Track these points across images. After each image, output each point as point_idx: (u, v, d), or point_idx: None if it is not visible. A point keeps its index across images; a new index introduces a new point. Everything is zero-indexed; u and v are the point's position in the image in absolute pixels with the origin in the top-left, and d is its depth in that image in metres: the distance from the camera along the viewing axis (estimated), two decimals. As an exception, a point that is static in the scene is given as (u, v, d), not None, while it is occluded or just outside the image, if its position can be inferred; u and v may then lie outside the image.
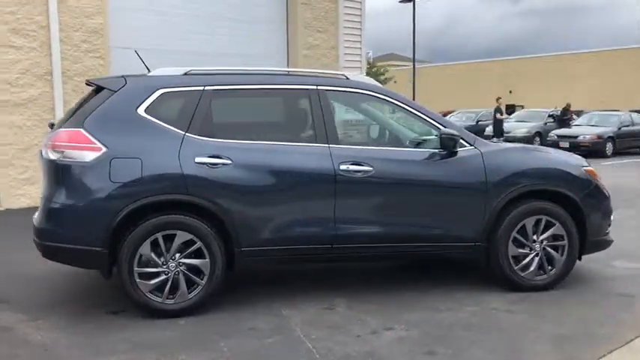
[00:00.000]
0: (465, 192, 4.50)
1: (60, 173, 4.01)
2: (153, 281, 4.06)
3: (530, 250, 4.63)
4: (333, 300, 4.47)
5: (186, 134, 4.15)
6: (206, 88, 4.29)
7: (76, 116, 4.13)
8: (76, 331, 3.92)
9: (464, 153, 4.54)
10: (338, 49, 11.68)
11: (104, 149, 4.00)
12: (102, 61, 9.02)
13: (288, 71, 4.63)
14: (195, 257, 4.11)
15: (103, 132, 4.05)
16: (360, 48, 12.07)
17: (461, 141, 4.54)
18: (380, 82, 28.50)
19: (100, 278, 4.38)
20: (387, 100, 4.58)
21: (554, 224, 4.64)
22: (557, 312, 4.24)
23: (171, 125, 4.16)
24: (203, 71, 4.45)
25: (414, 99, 31.63)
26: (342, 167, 4.28)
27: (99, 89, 4.27)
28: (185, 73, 4.38)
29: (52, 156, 4.02)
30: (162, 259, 4.06)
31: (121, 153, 4.02)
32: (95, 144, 4.00)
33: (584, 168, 4.81)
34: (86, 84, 4.33)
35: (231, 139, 4.22)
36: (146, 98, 4.18)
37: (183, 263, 4.10)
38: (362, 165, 4.32)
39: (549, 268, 4.68)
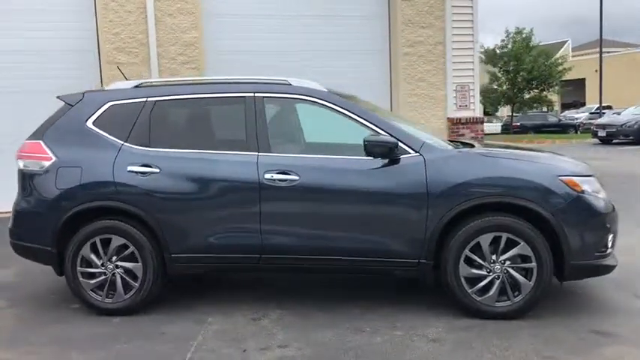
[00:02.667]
0: (402, 204, 4.09)
1: (22, 180, 4.54)
2: (93, 281, 4.39)
3: (489, 271, 4.03)
4: (268, 310, 4.39)
5: (124, 144, 4.41)
6: (148, 99, 4.51)
7: (39, 129, 4.63)
8: (31, 319, 4.41)
9: (407, 161, 4.12)
10: (445, 45, 11.07)
11: (54, 159, 4.43)
12: (197, 72, 9.74)
13: (230, 79, 4.61)
14: (130, 261, 4.35)
15: (57, 143, 4.49)
16: (472, 42, 11.28)
17: (404, 147, 4.13)
18: (556, 74, 25.91)
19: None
20: (327, 106, 4.33)
21: (519, 243, 3.98)
22: (496, 346, 3.64)
23: (113, 136, 4.45)
24: (152, 83, 4.67)
25: (600, 91, 28.46)
26: (267, 176, 4.18)
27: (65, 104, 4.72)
28: (135, 86, 4.65)
29: (19, 164, 4.57)
30: (101, 261, 4.37)
31: (67, 162, 4.42)
32: (48, 154, 4.46)
33: (562, 178, 4.03)
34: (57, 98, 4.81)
35: (163, 149, 4.37)
36: (95, 111, 4.53)
37: (120, 266, 4.36)
38: (288, 174, 4.17)
39: (515, 293, 4.03)
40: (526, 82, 29.40)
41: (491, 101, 33.74)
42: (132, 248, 4.34)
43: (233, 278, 5.25)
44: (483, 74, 32.68)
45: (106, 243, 4.37)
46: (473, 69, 11.33)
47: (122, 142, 4.42)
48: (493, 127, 34.31)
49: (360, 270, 4.28)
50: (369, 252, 4.15)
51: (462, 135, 11.28)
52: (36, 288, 5.07)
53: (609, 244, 4.12)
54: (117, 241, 4.35)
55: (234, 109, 4.41)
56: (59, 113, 4.62)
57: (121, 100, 4.56)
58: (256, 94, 4.39)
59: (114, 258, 4.37)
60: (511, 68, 28.92)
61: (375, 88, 10.93)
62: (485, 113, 40.30)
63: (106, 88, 4.72)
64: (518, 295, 4.04)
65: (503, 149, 4.65)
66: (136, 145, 4.41)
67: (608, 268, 4.17)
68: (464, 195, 4.02)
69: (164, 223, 4.29)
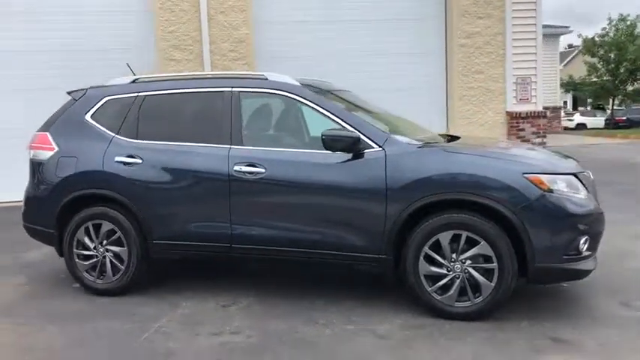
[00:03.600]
0: (363, 198, 4.08)
1: (31, 168, 4.99)
2: (87, 262, 4.76)
3: (449, 270, 3.94)
4: (240, 298, 4.54)
5: (115, 136, 4.73)
6: (139, 94, 4.80)
7: (48, 121, 5.06)
8: (36, 294, 4.86)
9: (370, 155, 4.10)
10: (505, 36, 10.64)
11: (56, 149, 4.84)
12: (247, 67, 10.06)
13: (213, 75, 4.77)
14: (117, 245, 4.67)
15: (60, 135, 4.90)
16: (535, 32, 10.75)
17: (368, 142, 4.12)
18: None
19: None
20: (298, 100, 4.40)
21: (479, 242, 3.85)
22: (439, 347, 3.57)
23: (106, 128, 4.78)
24: (147, 79, 4.95)
25: None
26: (236, 168, 4.33)
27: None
28: (132, 81, 4.95)
29: (30, 154, 5.03)
30: (93, 244, 4.73)
31: (66, 152, 4.81)
32: (52, 145, 4.87)
33: (527, 175, 3.84)
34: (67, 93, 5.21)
35: (147, 141, 4.64)
36: (94, 105, 4.89)
37: (109, 250, 4.70)
38: (255, 166, 4.29)
39: (476, 294, 3.91)
40: (629, 72, 27.31)
41: (588, 94, 31.74)
42: (119, 233, 4.65)
43: (220, 266, 5.42)
44: (581, 65, 30.79)
45: (97, 228, 4.71)
46: (535, 60, 10.83)
47: (113, 135, 4.73)
48: (596, 121, 32.27)
49: (324, 263, 4.30)
50: (332, 245, 4.18)
51: (522, 130, 10.82)
52: (53, 268, 5.53)
53: (582, 248, 3.87)
54: (106, 226, 4.67)
55: (213, 103, 4.57)
56: (65, 107, 5.02)
57: (117, 94, 4.88)
58: (234, 89, 4.54)
59: (104, 242, 4.70)
60: (612, 58, 26.97)
61: (430, 82, 10.77)
62: (597, 107, 37.92)
63: (106, 84, 5.05)
64: (478, 296, 3.91)
65: (472, 145, 4.47)
66: (125, 137, 4.70)
67: (580, 273, 3.92)
68: (422, 191, 3.94)
69: (145, 210, 4.56)
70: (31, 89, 9.31)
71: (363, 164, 4.09)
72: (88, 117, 4.86)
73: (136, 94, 4.80)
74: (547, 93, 21.35)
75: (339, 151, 4.08)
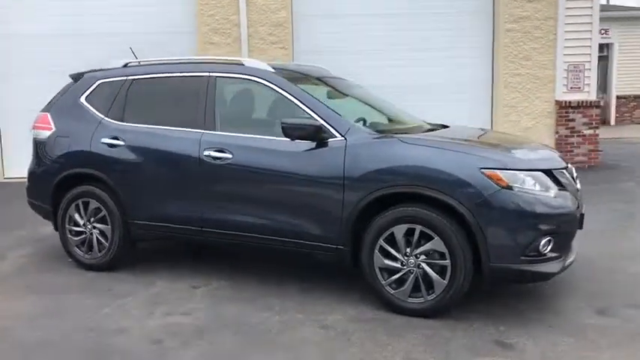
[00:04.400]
0: (322, 188, 4.03)
1: (34, 147, 5.28)
2: (77, 238, 5.01)
3: (403, 264, 3.84)
4: (212, 280, 4.63)
5: (104, 118, 4.91)
6: (128, 78, 4.96)
7: (49, 102, 5.33)
8: (35, 266, 5.15)
9: (333, 144, 4.05)
10: (557, 20, 10.05)
11: (54, 129, 5.10)
12: (285, 51, 10.10)
13: (195, 59, 4.83)
14: (103, 223, 4.89)
15: (58, 115, 5.15)
16: (591, 15, 10.08)
17: (332, 131, 4.06)
18: None
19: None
20: (271, 87, 4.37)
21: (433, 237, 3.72)
22: (375, 342, 3.50)
23: (97, 110, 4.98)
24: (137, 63, 5.09)
25: None
26: (206, 153, 4.39)
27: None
28: (124, 65, 5.11)
29: (32, 133, 5.32)
30: (82, 221, 4.97)
31: (62, 132, 5.06)
32: (50, 125, 5.13)
33: (484, 170, 3.64)
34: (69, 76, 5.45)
35: (130, 123, 4.79)
36: (88, 88, 5.10)
37: (96, 227, 4.92)
38: (224, 152, 4.34)
39: (429, 291, 3.79)
40: None
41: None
42: (104, 212, 4.85)
43: (213, 250, 5.50)
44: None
45: (86, 205, 4.93)
46: (590, 46, 10.15)
47: (102, 117, 4.92)
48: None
49: (290, 251, 4.29)
50: (293, 234, 4.17)
51: (572, 120, 10.24)
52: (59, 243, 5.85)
53: (544, 249, 3.64)
54: (93, 204, 4.89)
55: (192, 88, 4.64)
56: (65, 89, 5.27)
57: (109, 78, 5.06)
58: (211, 74, 4.60)
59: (92, 219, 4.92)
60: None
61: (474, 69, 10.38)
62: None
63: (102, 67, 5.24)
64: (432, 293, 3.78)
65: (436, 136, 4.27)
66: (112, 119, 4.88)
67: (539, 276, 3.70)
68: (377, 182, 3.85)
69: (125, 191, 4.73)
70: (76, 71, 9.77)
71: (325, 153, 4.03)
72: (82, 99, 5.08)
73: (124, 78, 4.96)
74: (628, 80, 19.94)
75: (298, 139, 4.04)
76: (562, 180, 3.91)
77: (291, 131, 4.00)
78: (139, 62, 5.11)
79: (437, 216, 3.69)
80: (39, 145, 5.20)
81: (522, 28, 10.09)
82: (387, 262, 3.87)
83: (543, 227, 3.62)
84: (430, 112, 9.98)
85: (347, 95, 5.12)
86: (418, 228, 3.76)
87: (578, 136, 10.28)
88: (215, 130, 4.46)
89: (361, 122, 4.69)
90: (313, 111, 4.16)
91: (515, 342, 3.45)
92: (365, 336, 3.58)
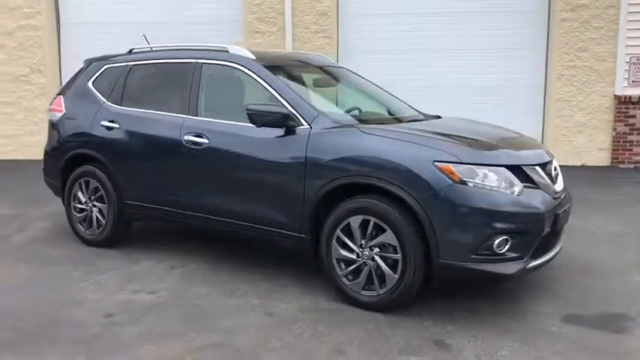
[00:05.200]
0: (286, 175, 4.03)
1: (48, 128, 5.62)
2: (80, 215, 5.30)
3: (358, 256, 3.78)
4: (192, 262, 4.75)
5: (105, 102, 5.15)
6: (129, 63, 5.16)
7: (64, 86, 5.64)
8: (47, 239, 5.48)
9: (300, 132, 4.03)
10: (619, 9, 9.39)
11: (64, 111, 5.40)
12: (329, 40, 10.09)
13: (187, 46, 4.90)
14: (101, 202, 5.14)
15: (70, 98, 5.45)
16: (658, 4, 9.34)
17: (300, 119, 4.04)
18: None
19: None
20: (248, 74, 4.40)
21: (386, 230, 3.64)
22: (312, 333, 3.48)
23: (101, 95, 5.22)
24: (140, 49, 5.28)
25: None
26: (185, 138, 4.50)
27: (87, 67, 5.64)
28: (128, 51, 5.32)
29: (48, 115, 5.66)
30: (84, 199, 5.25)
31: (70, 115, 5.35)
32: (62, 107, 5.44)
33: (438, 163, 3.50)
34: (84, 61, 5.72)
35: (126, 107, 4.99)
36: (95, 73, 5.35)
37: (95, 205, 5.18)
38: (201, 137, 4.43)
39: (382, 285, 3.72)
40: None
41: None
42: (102, 191, 5.09)
43: (203, 233, 5.57)
44: None
45: (87, 184, 5.20)
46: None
47: (104, 100, 5.15)
48: None
49: (261, 238, 4.31)
50: (261, 220, 4.20)
51: (632, 117, 9.57)
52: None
53: (500, 249, 3.46)
54: (93, 183, 5.14)
55: (181, 73, 4.76)
56: (77, 74, 5.55)
57: (115, 63, 5.28)
58: (198, 61, 4.69)
59: (92, 197, 5.18)
60: None
61: (526, 60, 9.93)
62: None
63: (112, 53, 5.47)
64: (384, 287, 3.69)
65: (401, 127, 4.13)
66: (112, 103, 5.10)
67: (493, 276, 3.51)
68: (336, 171, 3.80)
69: (119, 172, 4.94)
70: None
71: (291, 141, 4.02)
72: (90, 83, 5.34)
73: (126, 64, 5.16)
74: None
75: (264, 125, 4.05)
76: (534, 177, 3.69)
77: (256, 117, 4.01)
78: (141, 49, 5.27)
79: (389, 208, 3.59)
80: (52, 126, 5.52)
81: (579, 17, 9.51)
82: (344, 253, 3.82)
83: (498, 225, 3.44)
84: (480, 108, 9.75)
85: (342, 84, 5.07)
86: (372, 220, 3.67)
87: (638, 134, 9.59)
88: (197, 116, 4.55)
89: (356, 111, 4.67)
90: (284, 98, 4.15)
91: (455, 343, 3.31)
92: (306, 326, 3.56)
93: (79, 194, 5.25)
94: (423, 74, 10.05)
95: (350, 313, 3.74)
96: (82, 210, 5.26)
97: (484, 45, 9.91)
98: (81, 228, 5.28)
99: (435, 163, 3.50)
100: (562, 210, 3.83)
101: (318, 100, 4.39)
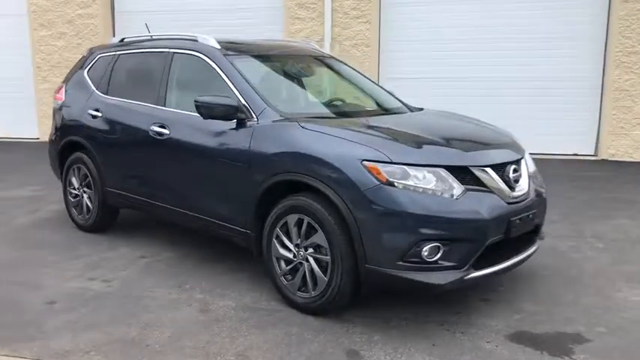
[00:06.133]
0: (232, 169, 3.93)
1: (52, 114, 5.84)
2: (74, 200, 5.48)
3: (294, 256, 3.64)
4: (166, 252, 4.78)
5: (94, 91, 5.26)
6: (116, 53, 5.23)
7: (67, 75, 5.82)
8: (50, 224, 5.72)
9: (250, 125, 3.90)
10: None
11: (63, 99, 5.59)
12: (369, 26, 9.81)
13: (167, 36, 4.85)
14: (89, 188, 5.28)
15: (69, 87, 5.62)
16: None
17: (251, 112, 3.92)
18: None
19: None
20: (209, 64, 4.31)
21: (317, 230, 3.48)
22: (227, 334, 3.39)
23: (92, 83, 5.34)
24: (130, 39, 5.34)
25: None
26: (151, 128, 4.51)
27: (91, 56, 5.78)
28: (120, 40, 5.40)
29: (53, 103, 5.88)
30: (77, 185, 5.42)
31: (67, 103, 5.52)
32: (62, 95, 5.63)
33: (366, 162, 3.27)
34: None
35: (109, 96, 5.07)
36: (90, 62, 5.48)
37: (85, 191, 5.34)
38: (164, 128, 4.43)
39: (315, 287, 3.56)
40: None
41: None
42: (89, 178, 5.22)
43: None
44: None
45: (79, 171, 5.35)
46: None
47: (94, 89, 5.27)
48: None
49: (209, 231, 4.27)
50: (213, 214, 4.14)
51: (700, 108, 8.63)
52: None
53: (431, 256, 3.19)
54: (83, 170, 5.29)
55: (156, 63, 4.75)
56: (78, 63, 5.71)
57: (106, 53, 5.38)
58: (170, 50, 4.67)
59: (82, 183, 5.34)
60: None
61: (582, 45, 9.19)
62: None
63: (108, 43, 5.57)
64: (316, 290, 3.53)
65: (349, 122, 3.89)
66: (100, 91, 5.21)
67: (422, 286, 3.23)
68: (274, 167, 3.66)
69: (102, 160, 5.05)
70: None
71: (239, 134, 3.92)
72: (85, 72, 5.47)
73: (113, 53, 5.24)
74: None
75: (211, 118, 3.95)
76: (484, 179, 3.37)
77: (203, 110, 3.92)
78: (131, 38, 5.33)
79: (320, 208, 3.41)
80: (54, 113, 5.72)
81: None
82: (283, 252, 3.68)
83: (426, 231, 3.17)
84: (534, 99, 9.16)
85: (326, 75, 4.89)
86: (306, 219, 3.51)
87: None
88: (164, 106, 4.54)
89: (338, 102, 4.52)
90: (237, 89, 4.04)
91: (369, 355, 3.10)
92: (231, 324, 3.47)
93: (73, 180, 5.42)
94: (473, 65, 9.55)
95: (283, 314, 3.60)
96: (75, 195, 5.43)
97: (535, 32, 9.23)
98: (75, 213, 5.46)
99: (364, 162, 3.27)
100: (520, 216, 3.48)
101: (290, 92, 4.28)
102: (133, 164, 4.76)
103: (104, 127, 4.99)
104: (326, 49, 9.85)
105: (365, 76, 5.13)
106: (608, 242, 4.99)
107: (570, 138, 9.27)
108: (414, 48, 9.78)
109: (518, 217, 3.46)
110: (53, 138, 5.68)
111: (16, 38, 11.49)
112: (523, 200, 3.57)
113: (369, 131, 3.61)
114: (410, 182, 3.22)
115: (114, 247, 4.94)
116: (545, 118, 9.29)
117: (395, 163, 3.24)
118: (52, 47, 11.33)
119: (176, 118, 4.36)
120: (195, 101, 3.94)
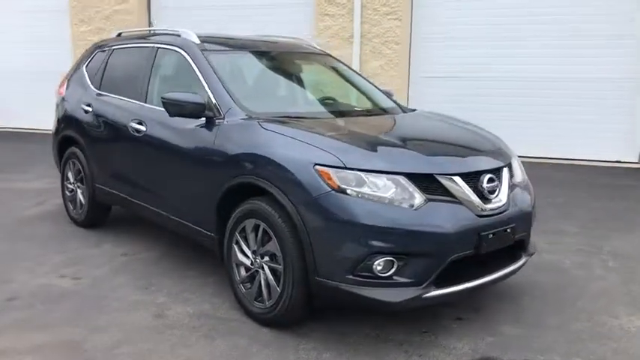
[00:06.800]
0: (197, 170, 3.79)
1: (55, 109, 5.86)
2: (69, 194, 5.48)
3: (252, 263, 3.46)
4: (145, 252, 4.68)
5: (89, 86, 5.23)
6: (110, 47, 5.18)
7: (70, 69, 5.82)
8: (54, 216, 5.75)
9: (217, 124, 3.74)
10: None
11: (64, 94, 5.60)
12: (399, 22, 9.48)
13: (155, 31, 4.73)
14: (82, 183, 5.26)
15: (71, 82, 5.63)
16: None
17: (220, 110, 3.74)
18: None
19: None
20: (186, 60, 4.17)
21: (272, 238, 3.28)
22: (162, 341, 3.24)
23: (88, 78, 5.31)
24: (127, 34, 5.28)
25: None
26: (130, 124, 4.42)
27: (94, 51, 5.77)
28: (117, 35, 5.35)
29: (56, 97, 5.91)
30: (72, 180, 5.41)
31: (66, 97, 5.52)
32: (63, 90, 5.65)
33: (318, 167, 3.04)
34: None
35: (100, 91, 5.03)
36: (89, 57, 5.46)
37: (79, 186, 5.32)
38: (141, 124, 4.33)
39: (270, 297, 3.36)
40: None
41: None
42: (82, 173, 5.20)
43: None
44: None
45: (73, 165, 5.34)
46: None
47: (89, 84, 5.24)
48: None
49: (181, 232, 4.13)
50: (182, 215, 4.01)
51: None
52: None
53: (383, 271, 2.93)
54: (77, 165, 5.27)
55: (143, 58, 4.65)
56: (81, 58, 5.70)
57: (103, 48, 5.34)
58: (154, 45, 4.57)
59: (76, 178, 5.32)
60: None
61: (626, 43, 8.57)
62: None
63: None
64: (270, 300, 3.33)
65: (316, 122, 3.64)
66: (93, 86, 5.17)
67: (373, 303, 2.97)
68: (234, 169, 3.48)
69: (91, 155, 5.01)
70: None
71: (207, 133, 3.75)
72: (84, 67, 5.45)
73: (108, 48, 5.19)
74: None
75: (177, 115, 3.80)
76: (452, 189, 3.08)
77: (169, 107, 3.77)
78: (127, 34, 5.27)
79: (275, 214, 3.20)
80: (56, 108, 5.73)
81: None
82: (242, 258, 3.50)
83: (379, 244, 2.91)
84: (575, 100, 8.63)
85: (317, 73, 4.69)
86: (262, 225, 3.31)
87: None
88: (145, 102, 4.43)
89: (322, 102, 4.32)
90: (209, 87, 3.87)
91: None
92: (180, 333, 3.31)
93: (69, 174, 5.41)
94: (511, 64, 9.07)
95: (238, 324, 3.42)
96: (71, 190, 5.42)
97: (578, 30, 8.65)
98: (70, 206, 5.46)
99: (316, 166, 3.04)
100: (494, 231, 3.16)
101: (269, 90, 4.11)
102: (117, 161, 4.69)
103: (93, 122, 4.95)
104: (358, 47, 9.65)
105: (362, 76, 4.88)
106: (623, 260, 4.55)
107: (613, 144, 8.65)
108: (447, 45, 9.39)
109: (492, 231, 3.15)
110: (54, 132, 5.70)
111: (58, 33, 11.78)
112: (500, 213, 3.24)
113: (331, 134, 3.36)
114: (365, 190, 2.96)
115: (100, 243, 4.89)
116: (588, 122, 8.72)
117: (349, 169, 3.00)
118: (91, 42, 11.46)
119: (152, 114, 4.25)
120: (162, 98, 3.81)
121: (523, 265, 3.58)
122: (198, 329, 3.35)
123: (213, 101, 3.75)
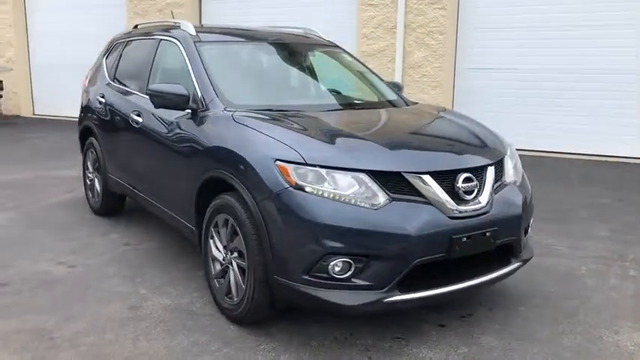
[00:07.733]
0: (179, 161, 3.76)
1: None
2: (89, 183, 5.62)
3: (223, 258, 3.40)
4: (147, 242, 4.72)
5: (106, 77, 5.33)
6: (125, 40, 5.25)
7: (94, 62, 5.96)
8: (60, 204, 5.93)
9: (200, 116, 3.70)
10: None
11: (87, 84, 5.75)
12: (444, 12, 9.15)
13: (161, 22, 4.69)
14: (98, 173, 5.38)
15: (94, 73, 5.76)
16: None
17: (204, 102, 3.69)
18: None
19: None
20: (180, 51, 4.14)
21: (239, 234, 3.20)
22: (134, 337, 3.22)
23: (106, 70, 5.42)
24: (142, 25, 5.32)
25: None
26: (131, 115, 4.47)
27: (117, 43, 5.88)
28: (134, 27, 5.41)
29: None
30: (91, 169, 5.55)
31: (87, 88, 5.66)
32: (86, 81, 5.79)
33: (278, 162, 2.92)
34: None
35: (113, 82, 5.11)
36: (108, 49, 5.57)
37: (97, 176, 5.44)
38: (139, 116, 4.36)
39: (238, 294, 3.29)
40: None
41: None
42: (98, 163, 5.32)
43: None
44: None
45: (91, 154, 5.47)
46: None
47: (106, 75, 5.34)
48: None
49: (171, 224, 4.12)
50: (170, 207, 4.01)
51: None
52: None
53: (340, 273, 2.79)
54: (94, 155, 5.39)
55: (148, 50, 4.68)
56: (103, 50, 5.82)
57: (120, 39, 5.42)
58: (157, 37, 4.58)
59: (94, 167, 5.45)
60: None
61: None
62: None
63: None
64: (237, 297, 3.25)
65: (299, 115, 3.48)
66: (110, 78, 5.26)
67: (328, 306, 2.82)
68: (208, 162, 3.42)
69: (103, 145, 5.11)
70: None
71: (189, 125, 3.71)
72: (104, 59, 5.56)
73: (124, 40, 5.26)
74: None
75: (162, 107, 3.79)
76: (421, 188, 2.89)
77: (155, 99, 3.75)
78: (144, 25, 5.30)
79: (241, 209, 3.11)
80: (81, 99, 5.88)
81: None
82: (216, 252, 3.44)
83: (334, 244, 2.76)
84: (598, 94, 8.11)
85: (323, 65, 4.57)
86: (230, 220, 3.23)
87: None
88: (144, 94, 4.44)
89: (322, 94, 4.22)
90: (196, 78, 3.83)
91: None
92: (147, 325, 3.29)
93: (89, 163, 5.55)
94: (565, 55, 8.59)
95: (207, 320, 3.37)
96: (91, 179, 5.56)
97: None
98: (89, 195, 5.59)
99: (277, 161, 2.92)
100: (470, 234, 2.94)
101: (262, 83, 4.04)
102: (122, 151, 4.75)
103: (105, 113, 5.03)
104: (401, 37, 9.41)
105: (367, 68, 4.70)
106: (646, 269, 4.17)
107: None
108: (495, 37, 9.00)
109: (466, 234, 2.92)
110: (78, 122, 5.85)
111: (113, 27, 12.14)
112: (478, 215, 3.01)
113: (299, 128, 3.22)
114: (324, 187, 2.82)
115: (108, 232, 4.98)
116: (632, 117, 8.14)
117: (309, 165, 2.86)
118: (144, 35, 11.84)
119: (147, 106, 4.24)
120: (147, 89, 3.79)
121: (514, 271, 3.33)
122: (166, 323, 3.32)
123: (199, 93, 3.70)
